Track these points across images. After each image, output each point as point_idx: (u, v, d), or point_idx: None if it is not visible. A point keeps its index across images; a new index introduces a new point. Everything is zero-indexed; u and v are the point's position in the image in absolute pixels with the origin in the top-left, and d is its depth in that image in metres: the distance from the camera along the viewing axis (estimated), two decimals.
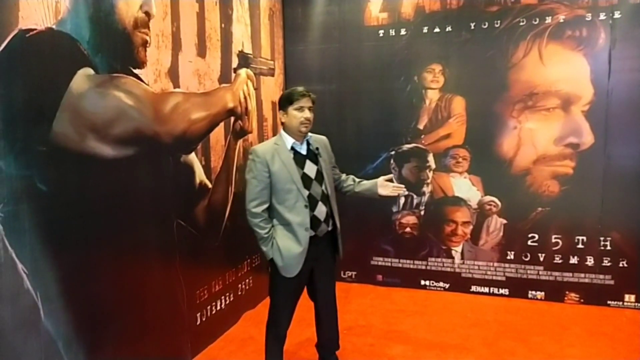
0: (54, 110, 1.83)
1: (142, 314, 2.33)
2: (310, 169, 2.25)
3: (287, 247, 2.19)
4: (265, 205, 2.21)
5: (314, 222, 2.23)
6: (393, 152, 3.85)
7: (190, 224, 2.73)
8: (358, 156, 3.85)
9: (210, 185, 2.92)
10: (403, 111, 3.79)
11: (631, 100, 3.26)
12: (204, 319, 2.85)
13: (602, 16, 3.27)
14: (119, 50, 2.17)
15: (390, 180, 2.43)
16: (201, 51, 2.80)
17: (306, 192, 2.20)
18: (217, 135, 2.99)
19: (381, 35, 3.78)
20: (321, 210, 2.25)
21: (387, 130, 3.85)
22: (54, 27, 1.83)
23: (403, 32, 3.72)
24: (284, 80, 4.05)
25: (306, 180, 2.22)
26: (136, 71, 2.26)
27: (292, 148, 2.25)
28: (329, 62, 3.95)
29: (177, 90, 2.56)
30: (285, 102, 2.22)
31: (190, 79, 2.69)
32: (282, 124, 2.27)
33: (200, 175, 2.82)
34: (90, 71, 2.01)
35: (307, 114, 2.19)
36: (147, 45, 2.32)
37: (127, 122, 2.21)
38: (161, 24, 2.43)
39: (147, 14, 2.32)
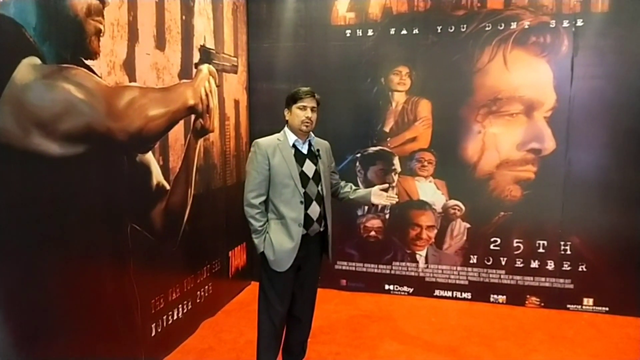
0: None
1: (92, 325, 2.13)
2: (309, 167, 2.29)
3: (280, 242, 2.23)
4: (263, 198, 2.26)
5: (307, 220, 2.26)
6: (359, 155, 3.79)
7: (146, 228, 2.55)
8: None
9: (168, 187, 2.75)
10: (369, 113, 3.74)
11: (592, 107, 3.34)
12: (159, 330, 2.67)
13: (565, 23, 3.33)
14: (70, 38, 1.98)
15: (385, 190, 2.47)
16: (160, 43, 2.62)
17: (302, 190, 2.24)
18: (177, 134, 2.82)
19: (348, 35, 3.71)
20: (315, 209, 2.28)
21: (353, 132, 3.78)
22: None
23: (370, 32, 3.67)
24: (247, 78, 3.91)
25: (304, 178, 2.26)
26: (88, 62, 2.07)
27: (294, 145, 2.29)
28: (295, 61, 3.84)
29: (133, 84, 2.38)
30: (290, 100, 2.27)
31: (148, 73, 2.51)
32: (286, 121, 2.31)
33: (157, 175, 2.64)
34: (37, 60, 1.81)
35: (309, 113, 2.23)
36: (101, 34, 2.14)
37: (76, 117, 2.02)
38: (117, 12, 2.25)
39: (102, 1, 2.13)
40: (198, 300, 3.12)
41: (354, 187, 2.57)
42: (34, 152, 1.81)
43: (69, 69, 1.98)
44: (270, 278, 2.29)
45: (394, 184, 3.73)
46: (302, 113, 2.22)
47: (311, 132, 2.34)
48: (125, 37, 2.32)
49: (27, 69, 1.78)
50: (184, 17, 2.86)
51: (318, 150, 2.35)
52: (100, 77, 2.14)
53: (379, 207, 3.77)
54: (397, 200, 2.49)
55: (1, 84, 1.68)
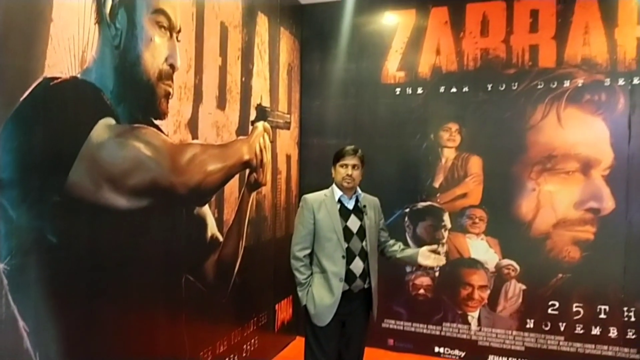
0: (71, 159, 1.78)
1: None
2: (353, 223, 2.34)
3: (321, 296, 2.27)
4: (307, 251, 2.33)
5: (349, 275, 2.28)
6: (408, 210, 3.77)
7: (199, 279, 2.61)
8: None
9: (221, 239, 2.83)
10: (418, 168, 3.74)
11: None
12: None
13: (620, 82, 3.27)
14: (142, 100, 2.15)
15: (434, 251, 2.46)
16: (221, 103, 2.79)
17: (345, 245, 2.27)
18: (232, 187, 2.93)
19: (398, 93, 3.80)
20: (358, 265, 2.30)
21: (402, 187, 3.79)
22: (78, 76, 1.81)
23: (420, 90, 3.74)
24: (299, 134, 4.04)
25: (347, 233, 2.31)
26: (157, 122, 2.23)
27: (340, 200, 2.37)
28: (345, 118, 3.95)
29: (195, 141, 2.53)
30: (334, 158, 2.39)
31: (209, 131, 2.67)
32: (333, 179, 2.41)
33: (212, 228, 2.73)
34: (112, 121, 1.97)
35: (350, 171, 2.31)
36: (170, 96, 2.31)
37: (144, 173, 2.15)
38: (184, 76, 2.43)
39: (172, 66, 2.32)
40: (244, 355, 3.11)
41: (402, 246, 2.56)
42: (103, 206, 1.94)
43: (139, 128, 2.13)
44: (314, 332, 2.31)
45: (443, 240, 3.66)
46: (343, 171, 2.31)
47: (358, 188, 2.38)
48: (191, 98, 2.49)
49: (102, 128, 1.94)
50: (243, 79, 3.05)
51: (365, 207, 2.39)
52: (167, 135, 2.29)
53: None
54: (444, 262, 2.48)
55: (79, 142, 1.83)
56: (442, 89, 3.69)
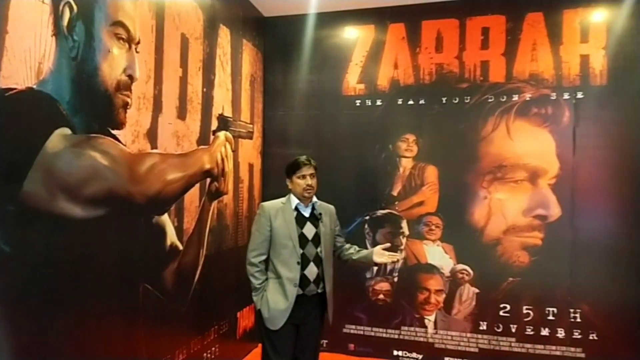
0: (26, 169, 1.79)
1: None
2: (309, 230, 2.41)
3: (275, 301, 2.33)
4: (263, 257, 2.41)
5: (303, 280, 2.35)
6: (368, 217, 3.88)
7: (157, 287, 2.63)
8: None
9: (181, 247, 2.85)
10: (378, 178, 3.87)
11: (597, 176, 3.42)
12: None
13: (566, 96, 3.49)
14: (99, 111, 2.17)
15: (387, 249, 2.56)
16: (181, 113, 2.83)
17: (300, 251, 2.34)
18: (192, 196, 2.97)
19: (358, 104, 3.92)
20: (312, 270, 2.37)
21: (362, 195, 3.90)
22: (34, 87, 1.83)
23: (379, 102, 3.88)
24: (262, 143, 4.11)
25: (303, 240, 2.38)
26: (114, 132, 2.25)
27: (296, 208, 2.43)
28: (307, 128, 4.05)
29: (154, 151, 2.56)
30: (289, 170, 2.44)
31: (169, 140, 2.70)
32: (289, 189, 2.47)
33: (171, 236, 2.76)
34: (68, 131, 1.99)
35: (309, 181, 2.39)
36: (128, 107, 2.34)
37: (100, 183, 2.17)
38: (144, 87, 2.47)
39: (131, 77, 2.35)
40: None
41: (357, 249, 2.65)
42: (58, 215, 1.94)
43: (96, 138, 2.16)
44: (269, 336, 2.37)
45: (402, 247, 3.78)
46: (302, 182, 2.38)
47: (314, 197, 2.46)
48: (150, 108, 2.52)
49: (58, 138, 1.95)
50: (205, 90, 3.10)
51: (320, 214, 2.46)
52: (125, 145, 2.32)
53: (386, 267, 3.79)
54: (399, 258, 2.59)
55: (34, 152, 1.84)
56: (400, 101, 3.83)
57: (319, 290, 2.41)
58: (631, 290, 3.32)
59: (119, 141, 2.28)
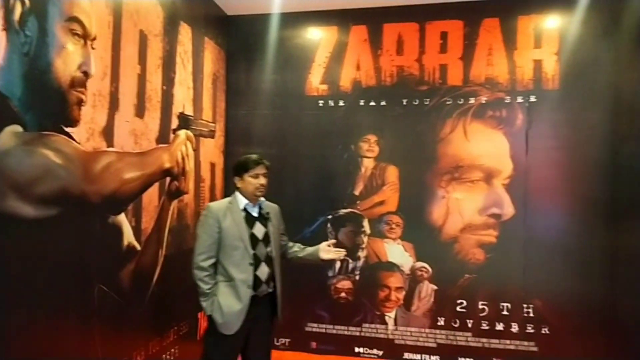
0: None
1: None
2: (258, 230, 2.38)
3: (229, 304, 2.27)
4: (212, 260, 2.33)
5: (256, 281, 2.31)
6: (330, 216, 3.92)
7: (114, 288, 2.58)
8: (296, 219, 3.82)
9: (139, 247, 2.81)
10: (340, 177, 3.91)
11: (549, 176, 3.57)
12: None
13: (519, 99, 3.63)
14: (52, 108, 2.12)
15: (333, 245, 2.57)
16: (140, 111, 2.79)
17: (252, 252, 2.30)
18: (151, 196, 2.92)
19: (321, 105, 3.96)
20: (263, 270, 2.34)
21: (324, 195, 3.94)
22: None
23: (341, 103, 3.92)
24: (224, 143, 4.09)
25: (253, 240, 2.34)
26: (68, 129, 2.20)
27: (245, 209, 2.39)
28: (270, 127, 4.05)
29: (110, 149, 2.51)
30: (240, 169, 2.38)
31: (126, 139, 2.65)
32: (237, 188, 2.40)
33: (128, 236, 2.71)
34: (19, 128, 1.94)
35: (262, 180, 2.36)
36: (83, 104, 2.29)
37: (52, 181, 2.12)
38: (99, 83, 2.42)
39: (86, 73, 2.30)
40: None
41: (302, 246, 2.65)
42: (8, 214, 1.89)
43: (49, 136, 2.10)
44: (216, 342, 2.31)
45: (363, 245, 3.85)
46: (255, 181, 2.35)
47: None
48: (106, 106, 2.47)
49: (8, 136, 1.90)
50: (164, 88, 3.06)
51: (268, 213, 2.45)
52: (79, 143, 2.27)
53: (348, 265, 3.84)
54: (345, 253, 2.56)
55: None
56: (362, 102, 3.89)
57: (270, 290, 2.40)
58: (581, 285, 3.48)
59: (73, 139, 2.23)
